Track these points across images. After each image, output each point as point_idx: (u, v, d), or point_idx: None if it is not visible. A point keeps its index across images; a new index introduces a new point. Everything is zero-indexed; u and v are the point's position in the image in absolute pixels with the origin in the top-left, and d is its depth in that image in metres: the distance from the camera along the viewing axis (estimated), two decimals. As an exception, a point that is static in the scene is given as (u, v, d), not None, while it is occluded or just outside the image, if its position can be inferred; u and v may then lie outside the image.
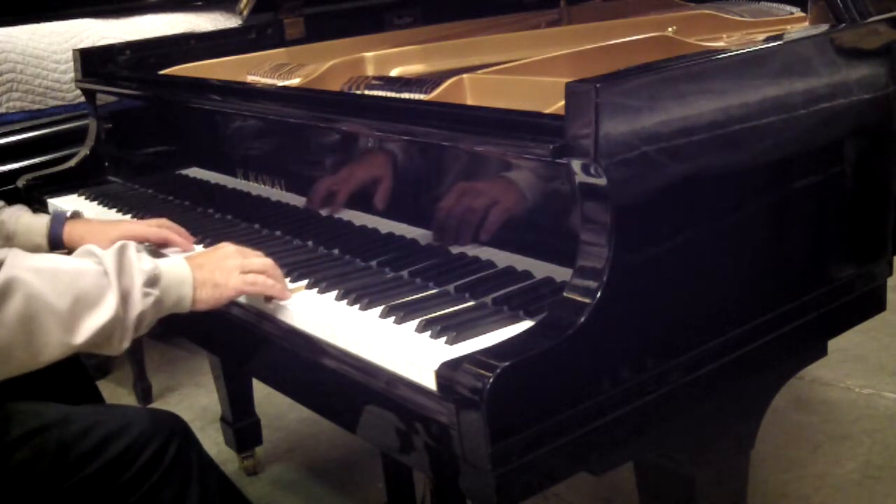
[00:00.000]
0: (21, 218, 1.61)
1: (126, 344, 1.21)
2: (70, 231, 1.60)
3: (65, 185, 2.08)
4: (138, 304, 1.20)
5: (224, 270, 1.29)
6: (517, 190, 1.20)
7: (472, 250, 1.29)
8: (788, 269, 1.24)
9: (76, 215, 1.64)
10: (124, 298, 1.19)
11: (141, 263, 1.22)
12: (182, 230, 1.60)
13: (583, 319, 1.00)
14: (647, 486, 1.31)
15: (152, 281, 1.23)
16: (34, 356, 1.16)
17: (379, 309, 1.21)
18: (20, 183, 2.11)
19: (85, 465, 1.36)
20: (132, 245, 1.24)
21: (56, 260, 1.21)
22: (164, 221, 1.61)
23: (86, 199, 2.01)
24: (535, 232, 1.20)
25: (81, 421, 1.39)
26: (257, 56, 2.11)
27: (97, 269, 1.19)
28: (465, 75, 1.54)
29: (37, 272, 1.14)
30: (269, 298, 1.30)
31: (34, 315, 1.13)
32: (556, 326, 1.01)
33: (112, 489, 1.38)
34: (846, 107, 1.28)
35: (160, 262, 1.27)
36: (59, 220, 1.60)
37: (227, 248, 1.34)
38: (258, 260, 1.32)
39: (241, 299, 1.35)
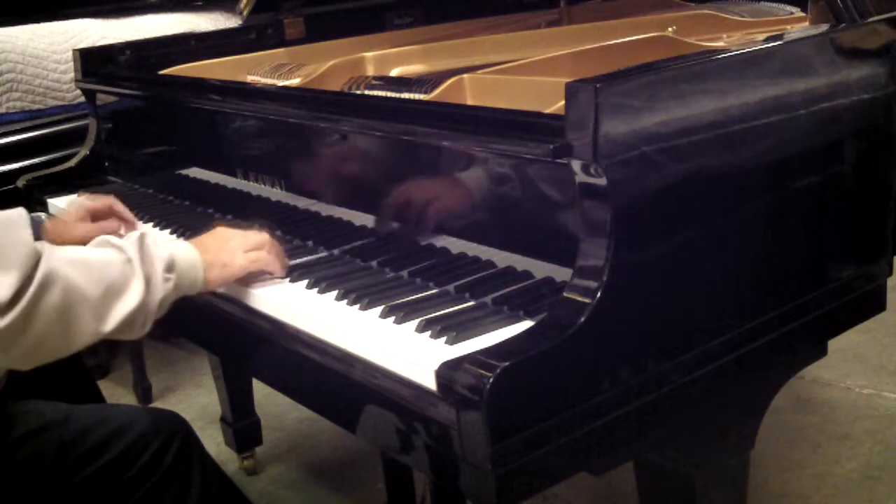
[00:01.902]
0: None
1: (148, 328, 1.26)
2: (48, 230, 1.63)
3: (65, 185, 2.08)
4: (160, 288, 1.25)
5: (229, 251, 1.35)
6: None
7: (472, 250, 1.29)
8: (788, 268, 1.24)
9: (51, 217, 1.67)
10: (148, 284, 1.24)
11: (159, 250, 1.27)
12: (108, 199, 1.65)
13: (583, 319, 1.00)
14: (647, 486, 1.31)
15: (170, 266, 1.27)
16: (67, 344, 1.20)
17: (379, 309, 1.21)
18: (20, 183, 2.11)
19: (86, 464, 1.36)
20: (149, 234, 1.29)
21: (84, 251, 1.25)
22: (96, 197, 1.65)
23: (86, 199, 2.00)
24: (535, 232, 1.20)
25: (83, 420, 1.40)
26: (257, 56, 2.11)
27: (122, 258, 1.24)
28: (465, 75, 1.54)
29: (71, 263, 1.18)
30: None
31: (71, 305, 1.16)
32: (556, 326, 1.01)
33: (113, 488, 1.38)
34: (846, 107, 1.28)
35: (171, 247, 1.31)
36: (35, 223, 1.62)
37: (226, 231, 1.40)
38: (256, 236, 1.38)
39: (241, 299, 1.36)
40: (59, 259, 1.17)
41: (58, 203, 2.00)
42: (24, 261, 1.12)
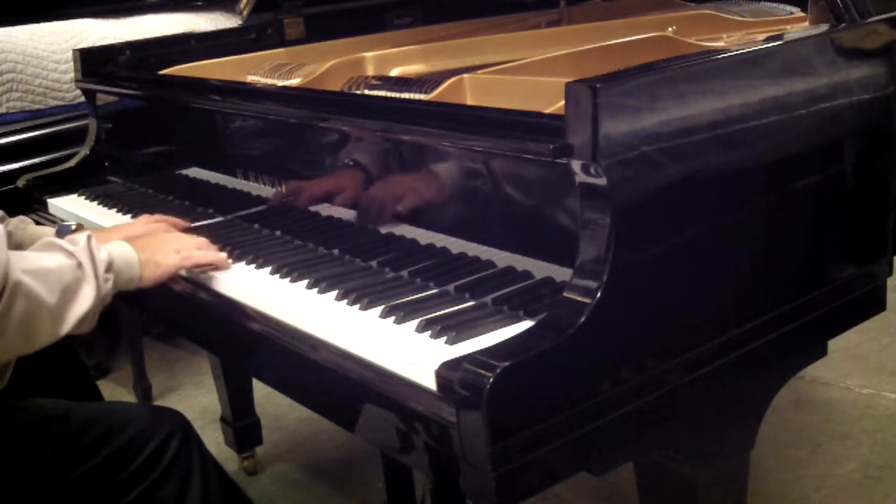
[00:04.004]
0: (27, 229, 1.63)
1: (93, 324, 1.32)
2: None
3: (65, 185, 2.08)
4: (103, 288, 1.32)
5: (163, 251, 1.43)
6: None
7: (472, 250, 1.29)
8: (788, 268, 1.24)
9: (80, 228, 1.67)
10: (97, 286, 1.30)
11: (100, 253, 1.33)
12: (175, 220, 1.67)
13: (583, 319, 1.00)
14: (647, 486, 1.31)
15: (109, 266, 1.34)
16: (26, 348, 1.26)
17: (379, 309, 1.21)
18: (20, 183, 2.11)
19: (86, 459, 1.37)
20: (92, 235, 1.36)
21: (39, 259, 1.28)
22: (158, 217, 1.67)
23: (86, 199, 2.01)
24: (535, 232, 1.20)
25: (83, 416, 1.41)
26: (257, 56, 2.11)
27: (73, 263, 1.29)
28: (465, 75, 1.54)
29: (31, 274, 1.22)
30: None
31: (33, 314, 1.21)
32: (556, 326, 1.01)
33: (113, 484, 1.39)
34: (846, 107, 1.27)
35: (110, 247, 1.37)
36: (64, 231, 1.63)
37: (163, 234, 1.49)
38: (190, 239, 1.47)
39: (241, 299, 1.36)
40: (22, 270, 1.21)
41: (58, 203, 2.01)
42: None
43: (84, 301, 1.28)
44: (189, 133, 1.89)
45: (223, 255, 1.46)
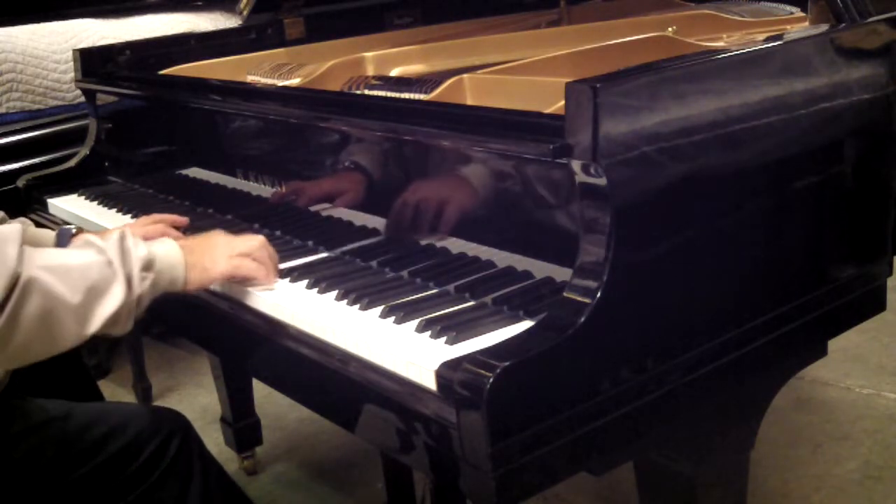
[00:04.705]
0: (27, 231, 1.62)
1: (130, 325, 1.26)
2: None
3: (65, 185, 2.08)
4: (137, 287, 1.25)
5: (213, 255, 1.35)
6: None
7: (472, 250, 1.29)
8: (788, 269, 1.24)
9: (80, 231, 1.66)
10: (129, 285, 1.24)
11: (137, 250, 1.27)
12: (173, 217, 1.65)
13: (583, 319, 1.00)
14: (647, 486, 1.31)
15: (148, 265, 1.27)
16: (51, 348, 1.21)
17: (379, 309, 1.21)
18: (20, 183, 2.11)
19: (87, 460, 1.37)
20: (129, 232, 1.29)
21: (63, 255, 1.25)
22: (155, 217, 1.65)
23: (86, 199, 2.01)
24: (535, 232, 1.20)
25: (83, 417, 1.41)
26: (257, 56, 2.11)
27: (102, 260, 1.23)
28: (465, 75, 1.54)
29: (50, 270, 1.18)
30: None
31: (51, 311, 1.17)
32: (556, 326, 1.01)
33: (114, 485, 1.39)
34: (846, 107, 1.28)
35: (153, 246, 1.31)
36: (65, 235, 1.62)
37: (217, 235, 1.40)
38: (246, 243, 1.37)
39: (241, 299, 1.36)
40: (38, 267, 1.17)
41: (58, 203, 2.01)
42: (4, 278, 1.13)
43: (113, 300, 1.22)
44: (189, 133, 1.89)
45: (276, 277, 1.37)
